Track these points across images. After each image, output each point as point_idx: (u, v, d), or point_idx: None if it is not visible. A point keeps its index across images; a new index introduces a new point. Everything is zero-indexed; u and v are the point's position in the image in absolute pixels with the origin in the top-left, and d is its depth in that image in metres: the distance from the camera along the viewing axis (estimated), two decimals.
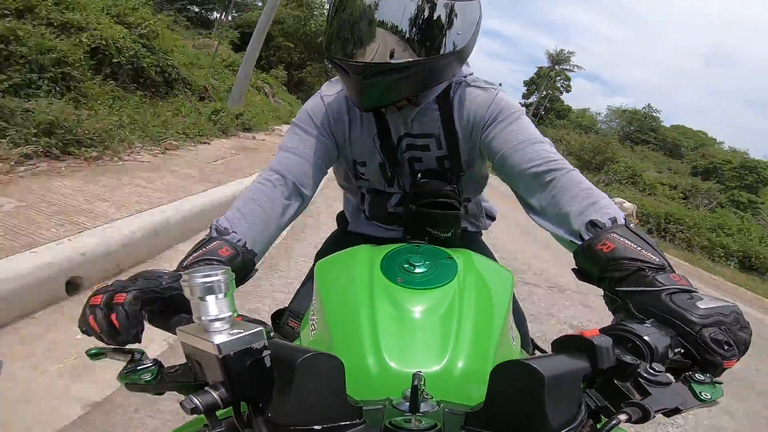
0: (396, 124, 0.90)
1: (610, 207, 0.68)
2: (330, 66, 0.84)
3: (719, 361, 0.46)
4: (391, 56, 0.73)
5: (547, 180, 0.74)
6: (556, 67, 40.25)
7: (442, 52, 0.75)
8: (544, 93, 42.51)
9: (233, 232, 0.73)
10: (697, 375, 0.45)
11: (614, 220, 0.66)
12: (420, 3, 0.72)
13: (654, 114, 36.01)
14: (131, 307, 0.52)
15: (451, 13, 0.74)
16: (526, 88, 45.75)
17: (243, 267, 0.71)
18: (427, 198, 0.89)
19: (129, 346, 0.55)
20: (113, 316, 0.52)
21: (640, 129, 35.31)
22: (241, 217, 0.76)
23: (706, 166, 25.07)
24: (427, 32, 0.73)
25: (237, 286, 0.66)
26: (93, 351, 0.56)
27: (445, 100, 0.87)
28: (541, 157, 0.76)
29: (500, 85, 0.95)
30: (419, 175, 0.93)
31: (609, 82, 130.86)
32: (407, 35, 0.72)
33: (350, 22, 0.74)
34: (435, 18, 0.73)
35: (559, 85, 42.56)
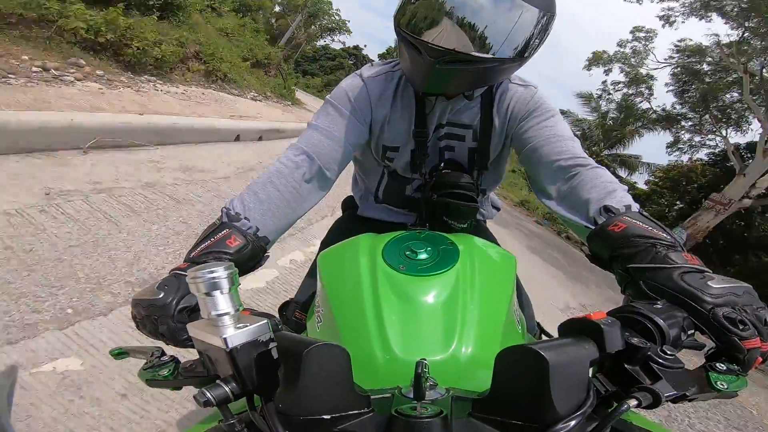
0: (439, 112, 0.90)
1: (627, 196, 0.68)
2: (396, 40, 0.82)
3: (736, 341, 0.45)
4: (470, 48, 0.72)
5: (572, 173, 0.75)
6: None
7: (520, 56, 0.76)
8: None
9: (245, 218, 0.71)
10: (718, 365, 0.43)
11: (629, 207, 0.65)
12: (519, 6, 0.71)
13: None
14: (179, 321, 0.55)
15: (540, 23, 0.74)
16: None
17: (252, 256, 0.69)
18: (447, 188, 0.90)
19: (148, 345, 0.57)
20: (164, 329, 0.55)
21: None
22: (257, 202, 0.74)
23: None
24: (515, 35, 0.73)
25: (247, 273, 0.68)
26: (116, 351, 0.58)
27: (488, 94, 0.89)
28: (570, 153, 0.78)
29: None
30: (442, 164, 0.94)
31: None
32: (496, 33, 0.72)
33: (438, 5, 0.72)
34: (526, 23, 0.73)
35: None
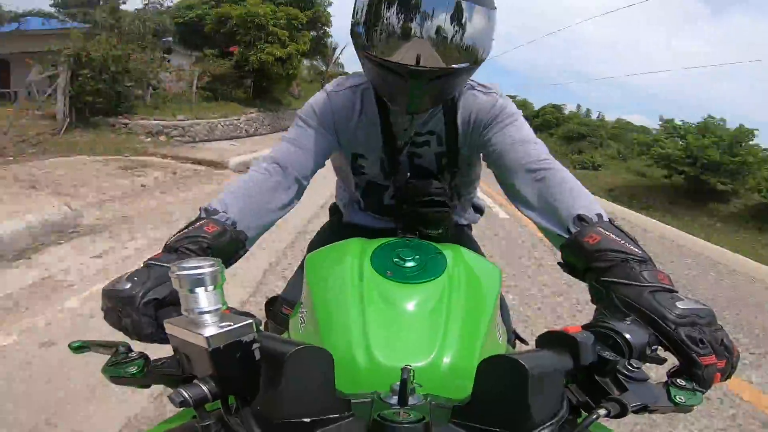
0: (403, 121, 0.92)
1: (595, 204, 0.71)
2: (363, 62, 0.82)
3: (695, 357, 0.48)
4: (444, 62, 0.74)
5: (539, 177, 0.77)
6: None
7: (484, 57, 0.78)
8: None
9: (222, 212, 0.72)
10: (679, 380, 0.46)
11: (600, 216, 0.68)
12: (475, 10, 0.73)
13: None
14: (144, 314, 0.54)
15: (491, 20, 0.76)
16: None
17: (231, 245, 0.70)
18: (417, 197, 0.92)
19: (114, 340, 0.54)
20: (128, 321, 0.54)
21: None
22: (234, 200, 0.75)
23: None
24: (479, 39, 0.75)
25: (225, 267, 0.67)
26: (76, 344, 0.55)
27: (450, 102, 0.90)
28: (534, 156, 0.80)
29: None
30: (408, 174, 0.95)
31: None
32: (463, 41, 0.74)
33: (402, 26, 0.73)
34: (482, 24, 0.75)
35: None
